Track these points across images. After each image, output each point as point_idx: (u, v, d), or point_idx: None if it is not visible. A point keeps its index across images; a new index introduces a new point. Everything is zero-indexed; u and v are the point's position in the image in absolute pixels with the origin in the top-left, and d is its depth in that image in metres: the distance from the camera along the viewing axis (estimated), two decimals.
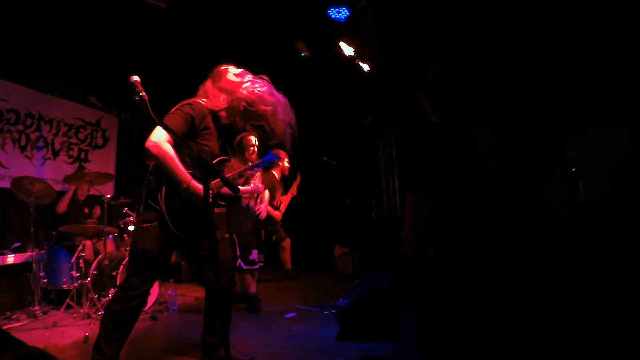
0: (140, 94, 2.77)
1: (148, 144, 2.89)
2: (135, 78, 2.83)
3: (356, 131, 9.39)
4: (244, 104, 3.18)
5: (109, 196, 5.50)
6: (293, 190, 6.86)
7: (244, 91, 3.20)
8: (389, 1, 6.65)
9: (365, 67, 7.55)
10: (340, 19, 6.54)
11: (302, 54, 7.77)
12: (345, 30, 6.93)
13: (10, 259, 5.61)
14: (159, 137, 2.90)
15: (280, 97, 3.40)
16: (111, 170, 8.07)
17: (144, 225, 3.04)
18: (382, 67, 7.73)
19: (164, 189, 2.97)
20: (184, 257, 3.63)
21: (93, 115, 7.94)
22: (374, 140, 9.38)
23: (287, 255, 7.57)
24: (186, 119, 3.03)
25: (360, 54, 7.31)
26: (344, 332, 4.25)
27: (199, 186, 2.92)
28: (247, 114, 3.22)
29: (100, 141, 8.07)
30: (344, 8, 6.44)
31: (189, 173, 2.97)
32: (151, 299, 5.48)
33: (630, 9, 5.26)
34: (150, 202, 3.05)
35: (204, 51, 7.56)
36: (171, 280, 7.63)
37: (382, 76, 7.94)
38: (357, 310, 4.29)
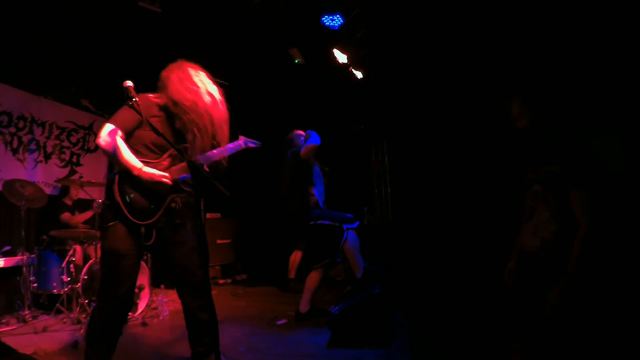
0: (134, 99, 2.79)
1: (97, 141, 2.95)
2: (129, 83, 2.83)
3: (349, 138, 9.41)
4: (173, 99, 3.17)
5: (100, 200, 5.48)
6: None
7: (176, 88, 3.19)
8: (382, 9, 6.67)
9: (359, 75, 7.57)
10: (334, 26, 6.56)
11: (296, 61, 7.79)
12: (339, 38, 6.96)
13: (0, 262, 5.57)
14: (105, 132, 2.94)
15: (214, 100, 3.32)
16: (102, 174, 8.06)
17: (108, 224, 3.00)
18: (376, 75, 7.76)
19: (117, 178, 2.96)
20: (152, 255, 3.42)
21: (86, 118, 7.92)
22: (366, 147, 9.39)
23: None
24: (132, 112, 2.96)
25: (353, 61, 7.34)
26: (336, 339, 4.25)
27: (151, 170, 2.94)
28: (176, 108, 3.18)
29: (92, 145, 8.03)
30: (338, 16, 6.46)
31: (144, 162, 3.00)
32: (142, 305, 5.46)
33: (619, 19, 5.31)
34: (108, 200, 3.05)
35: (198, 56, 7.58)
36: (162, 286, 7.60)
37: (376, 83, 7.96)
38: (349, 317, 4.29)
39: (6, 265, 5.63)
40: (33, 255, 5.65)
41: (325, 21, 6.54)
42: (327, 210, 5.45)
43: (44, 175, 7.07)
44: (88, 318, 4.88)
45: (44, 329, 4.91)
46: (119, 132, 2.97)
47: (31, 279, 5.53)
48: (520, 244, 3.15)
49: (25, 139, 6.87)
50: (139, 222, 2.98)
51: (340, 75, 7.67)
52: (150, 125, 2.76)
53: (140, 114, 2.79)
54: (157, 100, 3.19)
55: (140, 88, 2.91)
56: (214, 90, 3.32)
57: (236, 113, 8.82)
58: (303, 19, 6.83)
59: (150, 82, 3.30)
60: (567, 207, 2.79)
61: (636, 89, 4.81)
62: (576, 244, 2.71)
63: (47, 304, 5.65)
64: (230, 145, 3.48)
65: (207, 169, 3.23)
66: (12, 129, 6.71)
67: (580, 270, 2.70)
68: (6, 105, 6.61)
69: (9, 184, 5.52)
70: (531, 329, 2.93)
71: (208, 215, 8.71)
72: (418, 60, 7.19)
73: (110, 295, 3.00)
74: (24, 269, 5.47)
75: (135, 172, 2.90)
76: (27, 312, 5.33)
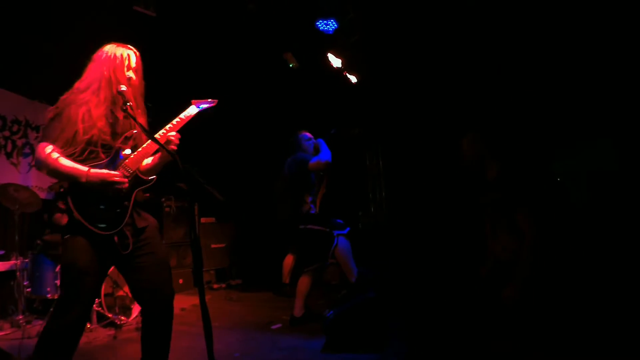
0: (128, 103, 2.77)
1: (35, 163, 2.82)
2: (123, 88, 2.83)
3: (344, 142, 9.42)
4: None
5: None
6: None
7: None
8: (377, 13, 6.70)
9: (353, 79, 7.59)
10: (328, 30, 6.58)
11: (291, 65, 7.80)
12: (333, 42, 6.97)
13: None
14: (41, 151, 2.72)
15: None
16: None
17: (68, 236, 2.72)
18: (370, 79, 7.78)
19: (68, 196, 2.70)
20: (117, 267, 3.03)
21: None
22: (361, 151, 9.42)
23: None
24: (59, 122, 2.84)
25: (348, 66, 7.35)
26: (331, 344, 4.25)
27: (100, 171, 2.69)
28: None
29: None
30: (332, 20, 6.48)
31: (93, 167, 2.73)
32: (136, 310, 5.45)
33: (615, 23, 5.35)
34: (66, 218, 2.71)
35: (193, 61, 7.58)
36: None
37: (370, 87, 7.98)
38: (344, 321, 4.29)
39: (0, 270, 5.61)
40: (27, 260, 5.62)
41: (319, 26, 6.56)
42: (318, 215, 5.45)
43: (38, 179, 7.04)
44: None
45: (38, 334, 4.89)
46: (54, 147, 2.72)
47: (25, 283, 5.50)
48: (492, 254, 3.70)
49: (19, 142, 6.85)
50: (109, 233, 2.73)
51: (335, 79, 7.69)
52: (143, 128, 2.73)
53: (134, 119, 2.77)
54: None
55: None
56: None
57: (231, 117, 8.79)
58: (297, 24, 6.84)
59: (145, 85, 3.28)
60: (518, 230, 3.43)
61: (626, 96, 4.92)
62: (523, 252, 3.35)
63: (41, 308, 5.61)
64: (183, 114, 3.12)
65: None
66: (6, 133, 6.69)
67: (531, 271, 3.32)
68: (0, 109, 6.59)
69: (3, 188, 5.50)
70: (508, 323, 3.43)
71: (202, 220, 8.70)
72: (412, 65, 7.22)
73: (66, 313, 2.72)
74: (18, 273, 5.44)
75: (83, 179, 2.64)
76: (20, 317, 5.31)
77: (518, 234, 3.42)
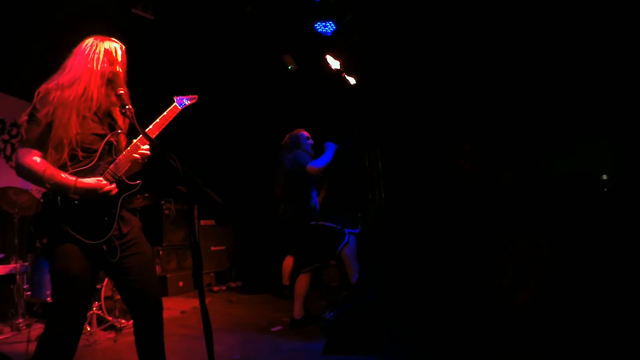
0: (127, 107, 2.75)
1: (17, 173, 2.69)
2: (121, 90, 2.81)
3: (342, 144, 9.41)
4: None
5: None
6: None
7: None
8: (375, 15, 6.70)
9: (352, 81, 7.59)
10: (326, 32, 6.58)
11: (289, 67, 7.80)
12: (331, 44, 6.98)
13: None
14: (20, 156, 2.66)
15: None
16: None
17: (57, 245, 2.66)
18: (369, 80, 7.78)
19: (56, 203, 2.66)
20: (105, 272, 2.92)
21: None
22: (360, 153, 9.41)
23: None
24: (38, 125, 2.70)
25: (346, 68, 7.35)
26: (331, 345, 4.25)
27: (88, 181, 2.62)
28: None
29: None
30: (330, 22, 6.48)
31: (78, 172, 2.66)
32: None
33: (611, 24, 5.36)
34: (52, 227, 2.68)
35: (192, 63, 7.58)
36: None
37: (369, 89, 7.98)
38: (344, 323, 4.29)
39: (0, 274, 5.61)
40: (26, 263, 5.62)
41: (317, 27, 6.56)
42: (330, 212, 5.48)
43: None
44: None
45: (38, 338, 4.88)
46: (37, 152, 2.65)
47: (25, 287, 5.50)
48: (512, 261, 3.80)
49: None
50: (98, 242, 2.65)
51: (334, 81, 7.69)
52: (145, 134, 2.70)
53: (134, 124, 2.71)
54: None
55: (133, 94, 2.90)
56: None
57: (230, 120, 8.78)
58: (296, 26, 6.85)
59: (144, 88, 3.27)
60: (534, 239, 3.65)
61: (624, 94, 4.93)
62: (539, 262, 3.54)
63: (41, 312, 5.61)
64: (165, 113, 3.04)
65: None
66: (6, 136, 6.69)
67: (544, 279, 3.48)
68: None
69: (3, 191, 5.50)
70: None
71: (202, 222, 8.70)
72: (411, 66, 7.22)
73: (61, 322, 2.66)
74: (18, 277, 5.44)
75: (72, 190, 2.58)
76: (20, 321, 5.31)
77: (535, 244, 3.61)
